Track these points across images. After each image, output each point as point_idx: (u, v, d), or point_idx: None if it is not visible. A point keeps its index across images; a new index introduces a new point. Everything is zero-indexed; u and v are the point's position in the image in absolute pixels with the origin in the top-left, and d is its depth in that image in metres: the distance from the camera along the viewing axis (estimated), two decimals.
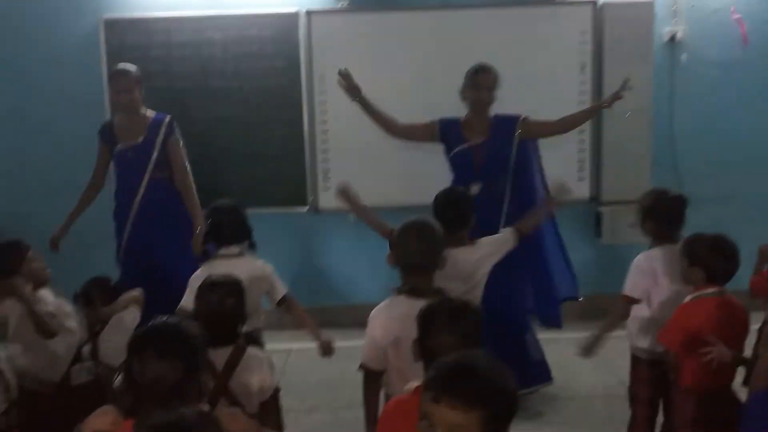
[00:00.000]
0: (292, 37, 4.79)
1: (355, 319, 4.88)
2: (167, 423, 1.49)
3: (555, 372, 4.04)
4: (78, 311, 3.15)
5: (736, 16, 4.84)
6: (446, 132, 3.80)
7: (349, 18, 4.83)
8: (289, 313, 3.17)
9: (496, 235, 3.15)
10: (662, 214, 2.98)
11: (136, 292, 3.28)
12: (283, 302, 3.14)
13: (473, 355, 1.54)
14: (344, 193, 3.25)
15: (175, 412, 1.52)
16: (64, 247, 3.96)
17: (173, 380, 1.76)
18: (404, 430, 1.84)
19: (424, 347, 1.99)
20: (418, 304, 2.32)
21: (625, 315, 3.00)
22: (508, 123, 3.75)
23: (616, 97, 3.73)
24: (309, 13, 4.76)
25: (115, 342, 2.99)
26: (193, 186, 4.07)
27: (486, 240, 3.07)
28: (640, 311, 2.97)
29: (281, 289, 3.14)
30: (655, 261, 2.92)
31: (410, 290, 2.43)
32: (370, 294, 4.77)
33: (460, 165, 3.75)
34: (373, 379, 2.47)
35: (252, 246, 3.21)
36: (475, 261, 2.96)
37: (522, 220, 3.22)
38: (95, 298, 3.20)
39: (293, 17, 4.78)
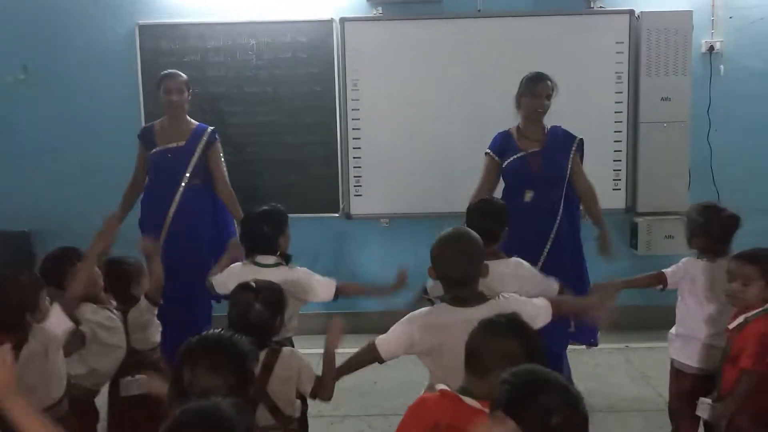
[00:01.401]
0: (326, 44, 4.80)
1: (388, 325, 4.88)
2: (201, 409, 1.49)
3: (592, 384, 3.99)
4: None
5: None
6: (501, 150, 3.73)
7: (383, 26, 4.82)
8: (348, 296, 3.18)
9: (542, 277, 2.96)
10: (715, 232, 2.91)
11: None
12: (338, 295, 3.11)
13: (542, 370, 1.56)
14: None
15: (210, 401, 1.53)
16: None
17: (223, 393, 1.75)
18: (421, 426, 1.87)
19: (477, 358, 1.93)
20: (462, 312, 2.29)
21: (651, 284, 3.03)
22: (567, 138, 3.71)
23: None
24: (343, 21, 4.76)
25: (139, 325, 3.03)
26: (234, 194, 4.11)
27: (523, 275, 2.93)
28: (684, 327, 2.92)
29: (329, 289, 3.09)
30: (698, 270, 2.88)
31: (454, 298, 2.38)
32: (403, 300, 4.80)
33: (515, 173, 3.69)
34: (372, 358, 2.43)
35: (286, 258, 3.15)
36: (506, 275, 2.85)
37: (564, 302, 2.89)
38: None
39: (328, 24, 4.79)
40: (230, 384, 1.79)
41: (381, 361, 2.43)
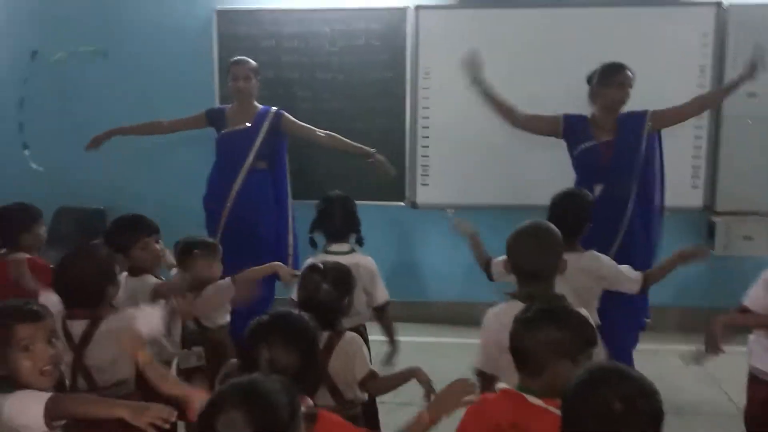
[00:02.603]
0: (399, 32, 4.78)
1: (448, 315, 4.85)
2: (245, 384, 1.49)
3: (657, 385, 3.86)
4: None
5: None
6: (572, 128, 3.65)
7: (458, 14, 4.77)
8: (379, 321, 3.09)
9: (625, 268, 2.95)
10: None
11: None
12: (382, 308, 3.08)
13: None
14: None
15: (255, 377, 1.54)
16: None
17: (294, 369, 1.79)
18: (482, 426, 1.83)
19: (524, 357, 1.87)
20: None
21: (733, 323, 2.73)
22: (636, 119, 3.59)
23: (753, 69, 3.55)
24: (418, 8, 4.74)
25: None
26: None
27: (608, 261, 2.92)
28: (761, 335, 2.78)
29: (383, 294, 3.08)
30: None
31: (527, 296, 2.27)
32: (464, 292, 4.79)
33: (586, 162, 3.60)
34: (487, 382, 2.34)
35: (360, 241, 3.18)
36: (582, 270, 2.79)
37: (654, 269, 3.04)
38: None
39: (401, 12, 4.77)
40: (300, 361, 1.82)
41: (494, 377, 2.32)
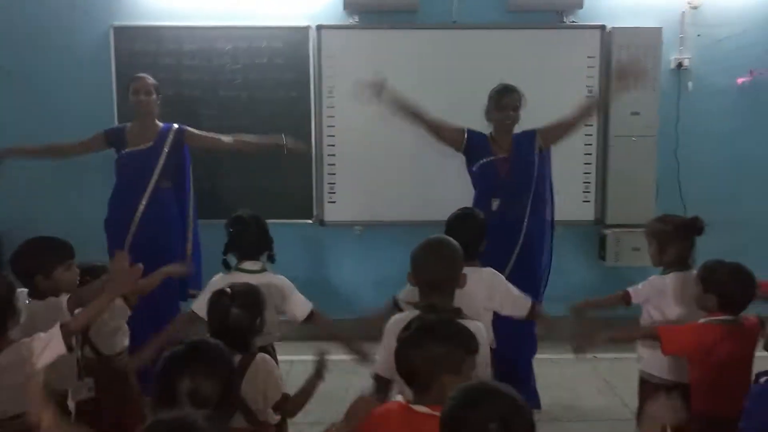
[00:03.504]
0: (302, 51, 4.81)
1: (359, 332, 4.88)
2: (174, 421, 1.46)
3: (558, 393, 4.05)
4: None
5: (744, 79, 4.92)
6: (473, 143, 3.80)
7: (359, 34, 4.85)
8: (316, 326, 3.11)
9: (516, 292, 2.98)
10: (681, 241, 3.00)
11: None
12: (310, 318, 3.08)
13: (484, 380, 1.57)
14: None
15: (183, 412, 1.51)
16: None
17: (215, 399, 1.78)
18: None
19: (411, 374, 1.92)
20: None
21: (613, 303, 3.10)
22: (528, 137, 3.78)
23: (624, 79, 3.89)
24: (320, 28, 4.78)
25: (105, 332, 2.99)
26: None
27: (503, 281, 2.99)
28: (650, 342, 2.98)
29: (304, 306, 3.08)
30: (668, 286, 2.95)
31: (427, 307, 2.40)
32: (375, 307, 4.82)
33: (484, 177, 3.75)
34: (383, 386, 2.44)
35: (271, 259, 3.18)
36: (479, 284, 2.89)
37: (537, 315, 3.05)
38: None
39: (304, 31, 4.80)
40: (221, 390, 1.81)
41: (390, 381, 2.41)
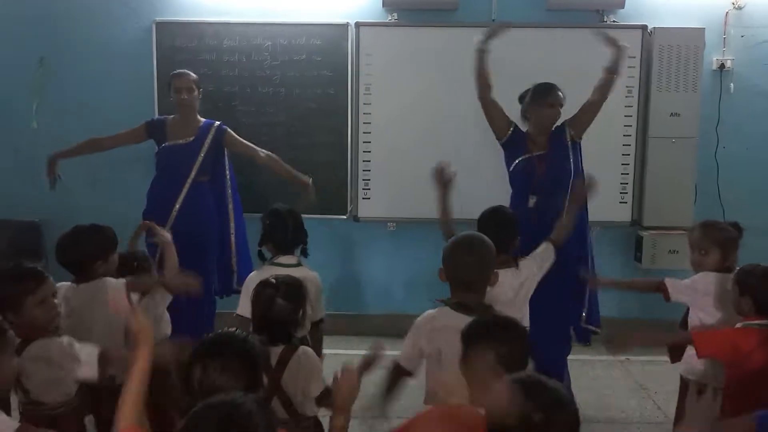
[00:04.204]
0: (340, 48, 4.84)
1: (390, 328, 4.91)
2: (222, 404, 1.48)
3: (589, 395, 4.02)
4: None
5: None
6: (516, 138, 3.78)
7: (398, 31, 4.87)
8: (311, 335, 3.08)
9: (536, 251, 3.08)
10: (727, 246, 2.99)
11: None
12: (317, 324, 3.11)
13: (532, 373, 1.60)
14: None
15: (231, 396, 1.52)
16: None
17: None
18: None
19: (468, 364, 1.97)
20: (465, 320, 2.31)
21: (650, 288, 3.15)
22: (559, 132, 3.76)
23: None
24: (358, 25, 4.81)
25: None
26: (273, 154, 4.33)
27: (529, 260, 3.04)
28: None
29: (322, 310, 3.13)
30: (710, 284, 2.93)
31: (458, 304, 2.41)
32: (406, 304, 4.86)
33: (522, 175, 3.74)
34: (398, 375, 2.46)
35: (305, 253, 3.22)
36: (518, 285, 2.93)
37: (554, 231, 3.15)
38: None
39: (343, 28, 4.83)
40: (240, 385, 1.81)
41: (410, 374, 2.45)
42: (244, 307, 2.89)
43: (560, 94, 3.72)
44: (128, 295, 2.76)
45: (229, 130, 4.27)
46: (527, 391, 1.55)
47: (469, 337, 2.00)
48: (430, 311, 2.50)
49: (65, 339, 2.37)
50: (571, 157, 3.73)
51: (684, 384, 3.02)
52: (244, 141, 4.32)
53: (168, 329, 3.17)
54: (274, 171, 4.34)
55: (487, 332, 1.98)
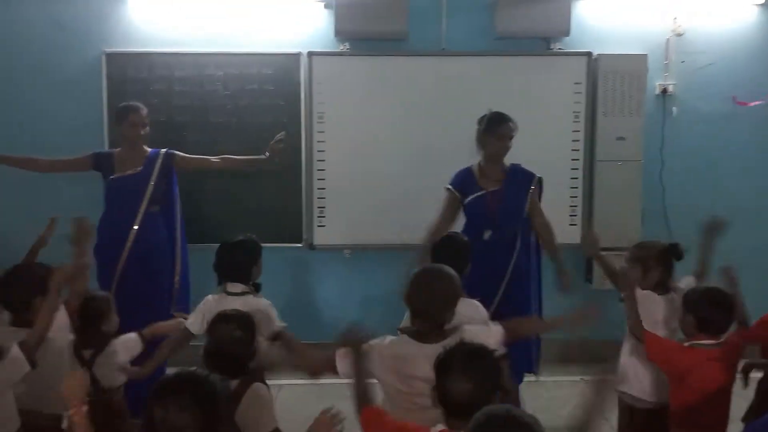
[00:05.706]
0: (293, 77, 4.87)
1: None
2: None
3: (545, 416, 4.02)
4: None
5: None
6: (462, 188, 3.83)
7: (350, 61, 4.92)
8: (285, 349, 3.13)
9: (483, 327, 2.81)
10: (661, 266, 3.08)
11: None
12: (277, 337, 3.11)
13: (509, 407, 1.62)
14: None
15: None
16: None
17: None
18: None
19: (442, 393, 1.97)
20: (421, 348, 2.33)
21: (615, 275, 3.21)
22: (526, 176, 3.82)
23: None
24: (310, 54, 4.85)
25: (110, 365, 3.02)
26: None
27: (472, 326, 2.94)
28: (634, 361, 3.02)
29: (276, 324, 3.12)
30: (655, 303, 3.03)
31: (415, 333, 2.43)
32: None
33: (475, 211, 3.79)
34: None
35: (257, 288, 3.21)
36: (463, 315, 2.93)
37: (515, 325, 2.86)
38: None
39: (295, 58, 4.86)
40: (200, 424, 1.81)
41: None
42: (193, 323, 3.03)
43: (511, 125, 3.77)
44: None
45: (176, 152, 4.29)
46: (504, 425, 1.59)
47: (442, 367, 2.01)
48: (387, 339, 2.51)
49: None
50: (527, 200, 3.79)
51: (630, 408, 3.07)
52: (193, 155, 4.38)
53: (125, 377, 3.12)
54: (235, 167, 4.47)
55: (460, 362, 1.98)
